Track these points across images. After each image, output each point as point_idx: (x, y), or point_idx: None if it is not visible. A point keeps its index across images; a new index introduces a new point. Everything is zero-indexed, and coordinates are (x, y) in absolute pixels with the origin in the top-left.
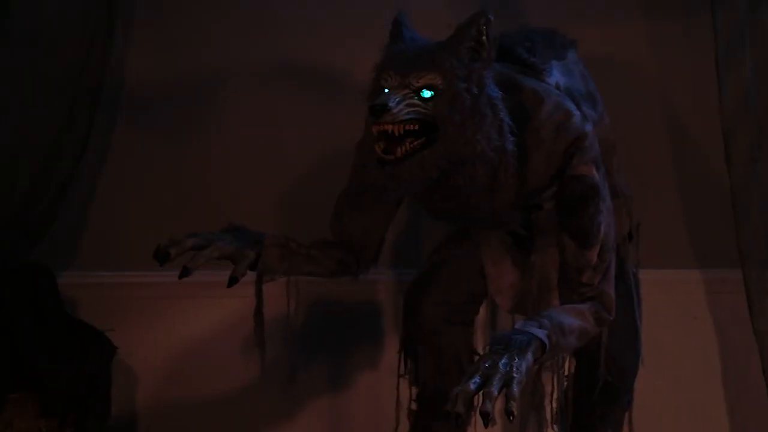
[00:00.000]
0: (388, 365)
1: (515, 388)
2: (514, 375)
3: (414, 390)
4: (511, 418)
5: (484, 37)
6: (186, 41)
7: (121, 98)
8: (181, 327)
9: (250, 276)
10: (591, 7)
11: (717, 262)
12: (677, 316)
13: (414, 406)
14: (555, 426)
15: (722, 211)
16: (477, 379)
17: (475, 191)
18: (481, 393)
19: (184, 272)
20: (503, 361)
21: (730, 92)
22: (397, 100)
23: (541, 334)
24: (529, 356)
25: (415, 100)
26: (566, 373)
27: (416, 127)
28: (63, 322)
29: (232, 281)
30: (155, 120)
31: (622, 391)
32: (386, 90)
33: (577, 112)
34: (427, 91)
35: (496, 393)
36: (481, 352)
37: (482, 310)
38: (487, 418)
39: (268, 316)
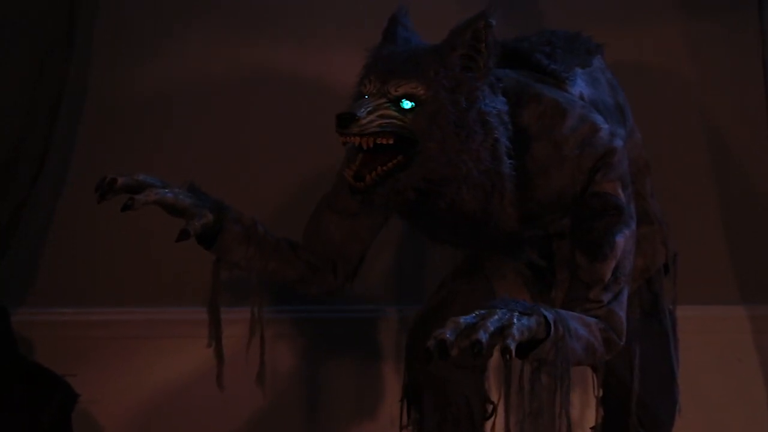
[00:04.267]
0: (388, 415)
1: (515, 332)
2: (514, 322)
3: None
4: (509, 357)
5: (481, 44)
6: (155, 47)
7: (83, 111)
8: (152, 371)
9: (229, 314)
10: (620, 6)
11: (764, 297)
12: (719, 358)
13: None
14: None
15: None
16: (471, 318)
17: (461, 218)
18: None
19: (128, 203)
20: (502, 311)
21: None
22: (369, 109)
23: (548, 315)
24: (533, 321)
25: (392, 111)
26: (593, 424)
27: (390, 141)
28: (16, 365)
29: (184, 235)
30: (121, 135)
31: None
32: (366, 97)
33: (605, 126)
34: (408, 102)
35: (491, 328)
36: (495, 401)
37: (495, 353)
38: (479, 346)
39: (239, 354)
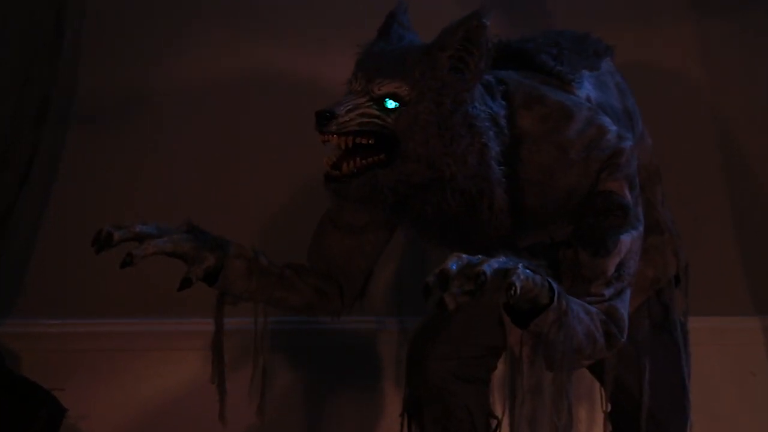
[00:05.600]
0: (388, 430)
1: (520, 273)
2: (519, 267)
3: None
4: (513, 292)
5: (473, 45)
6: (146, 49)
7: (71, 115)
8: (142, 385)
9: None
10: (629, 5)
11: None
12: (732, 372)
13: None
14: None
15: None
16: (474, 258)
17: (449, 224)
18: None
19: (127, 260)
20: (507, 258)
21: None
22: (348, 107)
23: (553, 284)
24: (538, 279)
25: (373, 110)
26: None
27: (371, 141)
28: (1, 379)
29: (185, 283)
30: (112, 140)
31: None
32: (350, 95)
33: (613, 127)
34: (391, 101)
35: (496, 266)
36: (499, 416)
37: (500, 366)
38: (483, 277)
39: (236, 370)
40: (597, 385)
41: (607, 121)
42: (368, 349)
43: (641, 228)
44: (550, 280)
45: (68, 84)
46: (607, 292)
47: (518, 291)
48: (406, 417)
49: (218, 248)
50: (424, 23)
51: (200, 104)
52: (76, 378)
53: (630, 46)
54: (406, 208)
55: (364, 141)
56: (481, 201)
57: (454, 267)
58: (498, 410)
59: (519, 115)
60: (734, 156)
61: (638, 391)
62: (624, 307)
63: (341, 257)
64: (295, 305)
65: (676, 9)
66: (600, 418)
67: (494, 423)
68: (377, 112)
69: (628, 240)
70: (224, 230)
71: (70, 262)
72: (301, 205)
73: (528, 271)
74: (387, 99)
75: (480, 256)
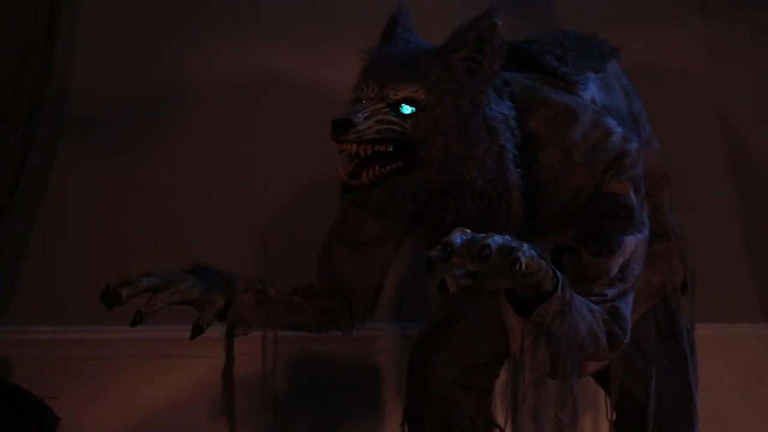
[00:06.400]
0: None
1: (525, 250)
2: (524, 247)
3: None
4: (518, 267)
5: (485, 46)
6: (141, 47)
7: (64, 116)
8: (136, 393)
9: (220, 331)
10: (635, 6)
11: None
12: (740, 380)
13: None
14: None
15: None
16: (480, 235)
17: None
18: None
19: (137, 319)
20: (508, 237)
21: None
22: (366, 115)
23: (558, 272)
24: (543, 263)
25: (391, 116)
26: None
27: (389, 149)
28: None
29: (197, 331)
30: (104, 142)
31: None
32: (363, 102)
33: (618, 129)
34: (408, 107)
35: (501, 242)
36: (502, 425)
37: (503, 374)
38: (488, 250)
39: (240, 378)
40: (602, 393)
41: (612, 122)
42: (368, 357)
43: (646, 231)
44: (554, 268)
45: (61, 85)
46: (610, 293)
47: (523, 266)
48: (407, 426)
49: (226, 286)
50: (424, 23)
51: (199, 105)
52: (69, 386)
53: (636, 48)
54: (424, 215)
55: (383, 149)
56: (499, 205)
57: (458, 240)
58: (500, 419)
59: (525, 118)
60: (742, 159)
61: (644, 400)
62: (627, 309)
63: (350, 275)
64: (304, 327)
65: (682, 10)
66: (605, 426)
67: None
68: (394, 118)
69: (633, 242)
70: (224, 231)
71: (63, 268)
72: (301, 206)
73: (533, 252)
74: (403, 104)
75: (480, 237)
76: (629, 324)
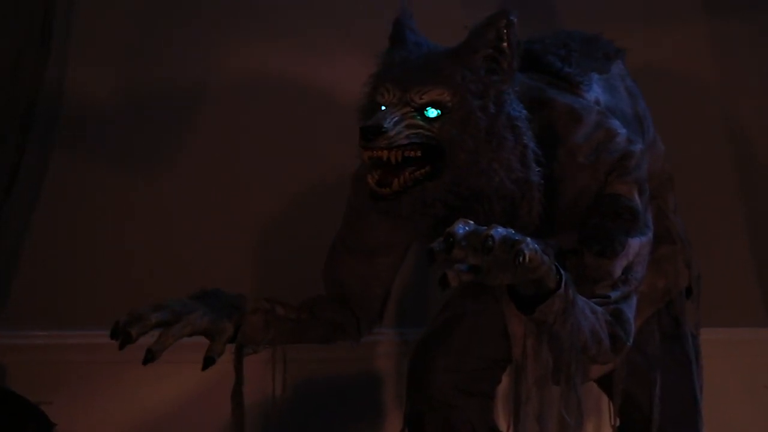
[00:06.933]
0: None
1: (529, 243)
2: (528, 240)
3: None
4: (521, 259)
5: (504, 44)
6: (138, 49)
7: (59, 117)
8: (133, 398)
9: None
10: (640, 6)
11: None
12: (745, 385)
13: None
14: None
15: None
16: (483, 227)
17: None
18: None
19: (149, 357)
20: (511, 230)
21: None
22: (395, 120)
23: (561, 270)
24: (546, 258)
25: (418, 120)
26: None
27: (418, 154)
28: None
29: (208, 362)
30: (101, 144)
31: None
32: (383, 107)
33: (623, 130)
34: (433, 110)
35: (504, 233)
36: (504, 431)
37: (505, 379)
38: (491, 241)
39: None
40: (604, 398)
41: (616, 124)
42: (367, 362)
43: (650, 234)
44: (557, 265)
45: (56, 86)
46: (613, 295)
47: (526, 259)
48: (408, 431)
49: (234, 311)
50: (424, 23)
51: (198, 105)
52: (64, 391)
53: (640, 48)
54: (449, 221)
55: (412, 154)
56: (522, 206)
57: (460, 231)
58: (502, 425)
59: (529, 120)
60: (747, 161)
61: (648, 405)
62: (630, 312)
63: (357, 285)
64: (312, 341)
65: (687, 10)
66: None
67: None
68: (422, 123)
69: (637, 244)
70: (223, 231)
71: (58, 272)
72: (301, 205)
73: (537, 246)
74: (429, 108)
75: (483, 230)
76: (633, 327)
